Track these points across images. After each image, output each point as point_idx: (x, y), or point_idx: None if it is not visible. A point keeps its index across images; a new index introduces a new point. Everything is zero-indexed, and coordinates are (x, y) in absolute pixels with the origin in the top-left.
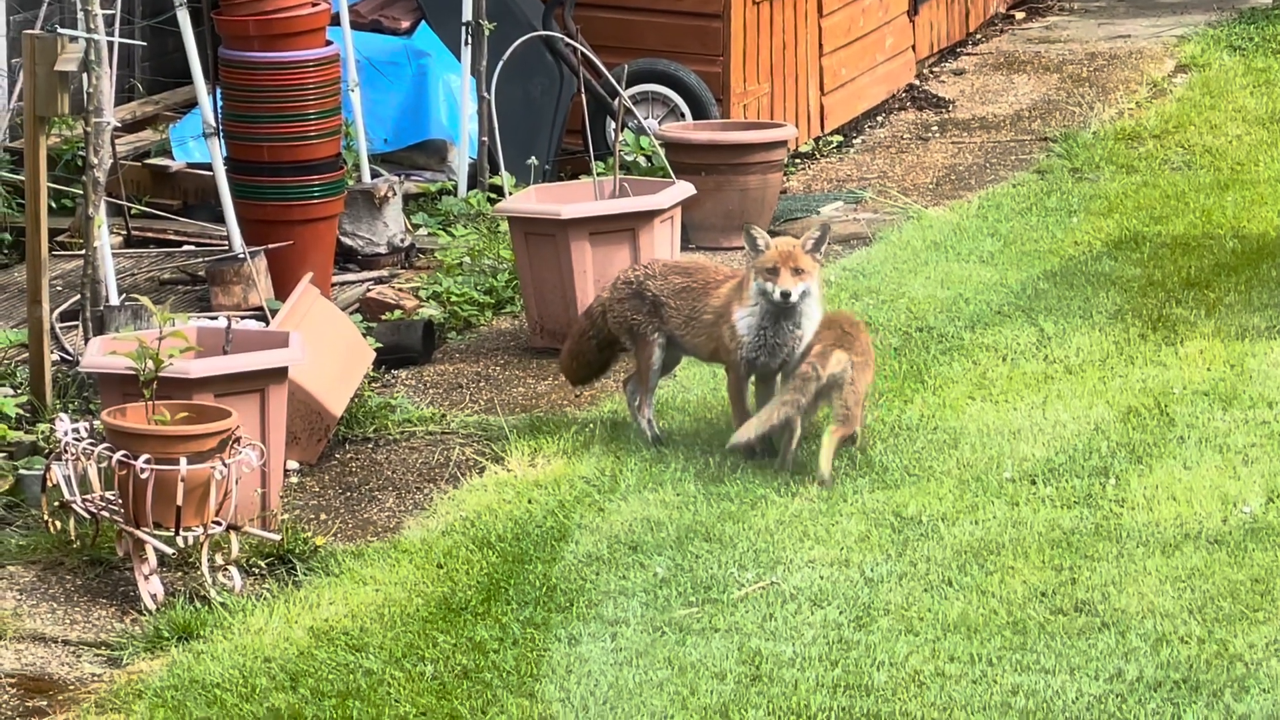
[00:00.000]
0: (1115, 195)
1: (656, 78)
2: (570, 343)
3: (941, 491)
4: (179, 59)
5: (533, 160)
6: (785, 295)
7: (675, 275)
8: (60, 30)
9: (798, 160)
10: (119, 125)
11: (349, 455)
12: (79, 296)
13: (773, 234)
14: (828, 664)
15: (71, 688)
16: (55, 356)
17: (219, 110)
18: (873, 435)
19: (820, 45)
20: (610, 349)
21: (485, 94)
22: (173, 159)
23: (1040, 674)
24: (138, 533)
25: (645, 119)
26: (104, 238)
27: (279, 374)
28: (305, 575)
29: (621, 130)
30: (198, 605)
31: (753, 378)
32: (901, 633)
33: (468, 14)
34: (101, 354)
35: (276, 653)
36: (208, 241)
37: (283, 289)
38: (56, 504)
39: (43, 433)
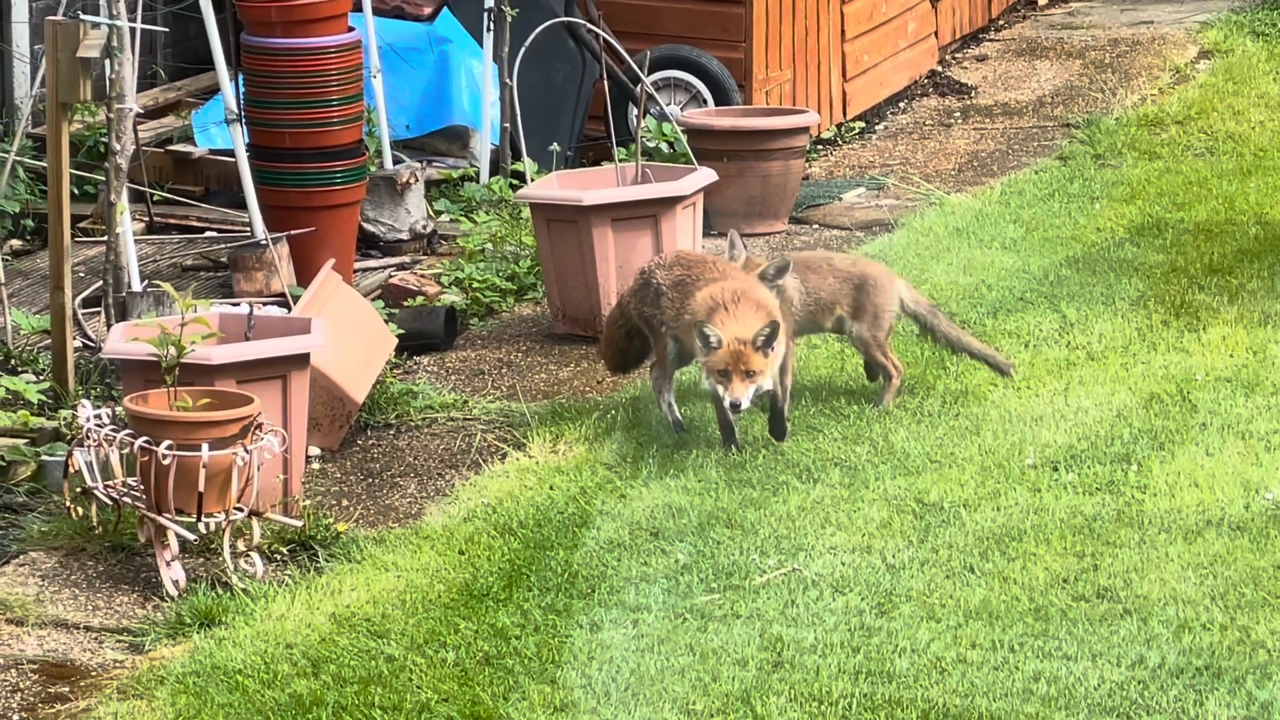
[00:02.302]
0: (1138, 181)
1: (679, 64)
2: (605, 330)
3: (963, 478)
4: (201, 45)
5: (555, 146)
6: (735, 407)
7: (679, 268)
8: (82, 16)
9: (820, 146)
10: (141, 111)
11: (371, 441)
12: (101, 283)
13: (795, 221)
14: (849, 650)
15: (94, 674)
16: (77, 343)
17: (241, 96)
18: (895, 422)
19: (842, 31)
20: (640, 337)
21: (507, 80)
22: (195, 145)
23: (1062, 660)
24: (159, 519)
25: (667, 105)
26: (126, 224)
27: (301, 360)
28: (327, 561)
29: (644, 116)
30: (219, 591)
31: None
32: (923, 619)
33: (490, 0)
34: (124, 340)
35: (298, 639)
36: (230, 228)
37: (305, 275)
38: (78, 490)
39: (65, 419)
